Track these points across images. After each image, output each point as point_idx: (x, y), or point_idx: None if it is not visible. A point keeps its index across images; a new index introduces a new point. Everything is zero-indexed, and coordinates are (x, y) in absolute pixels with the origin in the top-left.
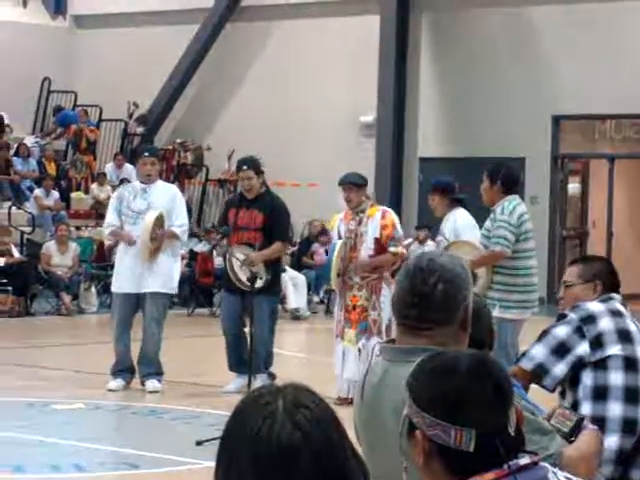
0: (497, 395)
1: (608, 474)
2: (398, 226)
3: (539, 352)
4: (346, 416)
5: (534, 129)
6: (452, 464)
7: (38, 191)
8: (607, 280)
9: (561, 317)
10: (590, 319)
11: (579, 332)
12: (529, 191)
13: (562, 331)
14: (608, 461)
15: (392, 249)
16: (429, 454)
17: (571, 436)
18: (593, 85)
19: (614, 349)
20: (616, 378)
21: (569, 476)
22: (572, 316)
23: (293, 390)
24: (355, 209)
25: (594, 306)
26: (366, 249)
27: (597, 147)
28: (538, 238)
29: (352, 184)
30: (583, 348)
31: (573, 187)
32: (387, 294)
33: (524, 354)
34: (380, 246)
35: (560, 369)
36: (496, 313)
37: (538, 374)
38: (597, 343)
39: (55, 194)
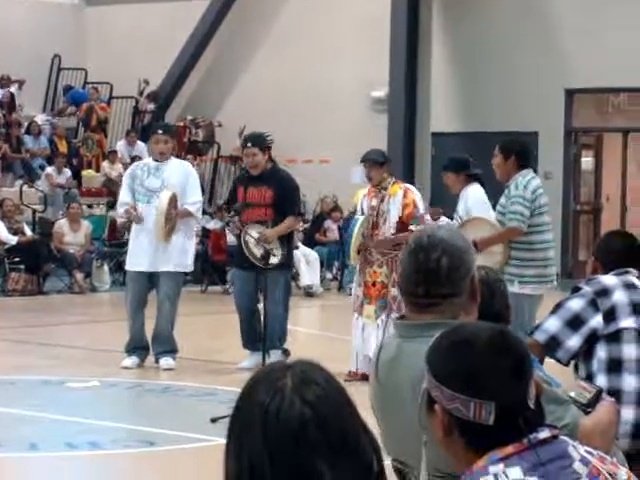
0: (517, 368)
1: (625, 447)
2: (420, 204)
3: (552, 325)
4: (360, 391)
5: (547, 103)
6: (472, 438)
7: (50, 169)
8: (607, 258)
9: (575, 290)
10: (604, 292)
11: (593, 305)
12: (542, 166)
13: (576, 304)
14: (625, 434)
15: (413, 227)
16: (448, 428)
17: (588, 407)
18: (606, 58)
19: (627, 322)
20: (630, 351)
21: (590, 449)
22: (586, 289)
23: (303, 366)
24: (377, 186)
25: (608, 279)
26: (388, 227)
27: (610, 121)
28: (551, 213)
29: (373, 161)
30: (597, 320)
31: (586, 161)
32: None
33: (538, 326)
34: (402, 224)
35: (574, 342)
36: (515, 289)
37: (551, 346)
38: (610, 316)
39: (67, 172)
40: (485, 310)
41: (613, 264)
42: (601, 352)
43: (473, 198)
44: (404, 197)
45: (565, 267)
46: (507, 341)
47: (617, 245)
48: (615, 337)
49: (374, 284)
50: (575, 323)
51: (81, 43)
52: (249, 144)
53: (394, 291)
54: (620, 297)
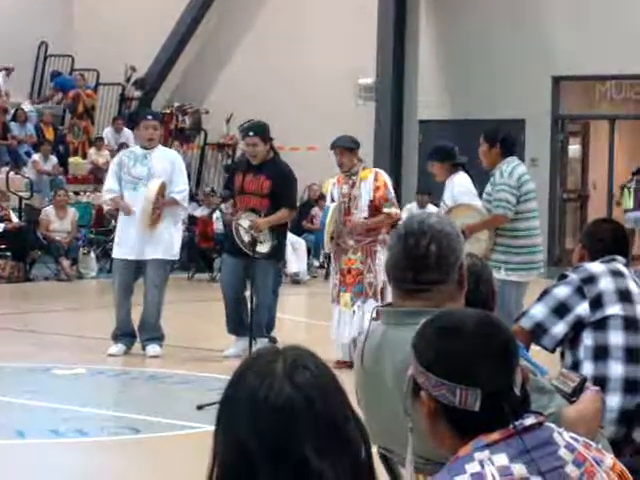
0: (502, 355)
1: (611, 434)
2: (390, 187)
3: (539, 311)
4: (346, 380)
5: (534, 90)
6: (458, 424)
7: (36, 156)
8: (594, 246)
9: (562, 277)
10: (590, 279)
11: (579, 292)
12: (529, 153)
13: (562, 291)
14: (611, 421)
15: (386, 210)
16: (434, 414)
17: (572, 396)
18: (593, 45)
19: (614, 309)
20: (616, 338)
21: (575, 436)
22: (573, 276)
23: (294, 352)
24: (347, 172)
25: (595, 267)
26: (360, 212)
27: (597, 108)
28: (538, 200)
29: (344, 148)
30: (583, 308)
31: (573, 149)
32: (382, 257)
33: (524, 313)
34: (374, 208)
35: (559, 329)
36: (501, 275)
37: (537, 333)
38: (597, 303)
39: (53, 159)
40: (471, 297)
41: (600, 251)
42: (587, 340)
43: (460, 186)
44: (375, 180)
45: (552, 255)
46: (493, 328)
47: (604, 233)
48: (601, 324)
49: (349, 271)
50: (561, 310)
51: (68, 30)
52: (251, 133)
53: (370, 277)
54: (607, 284)
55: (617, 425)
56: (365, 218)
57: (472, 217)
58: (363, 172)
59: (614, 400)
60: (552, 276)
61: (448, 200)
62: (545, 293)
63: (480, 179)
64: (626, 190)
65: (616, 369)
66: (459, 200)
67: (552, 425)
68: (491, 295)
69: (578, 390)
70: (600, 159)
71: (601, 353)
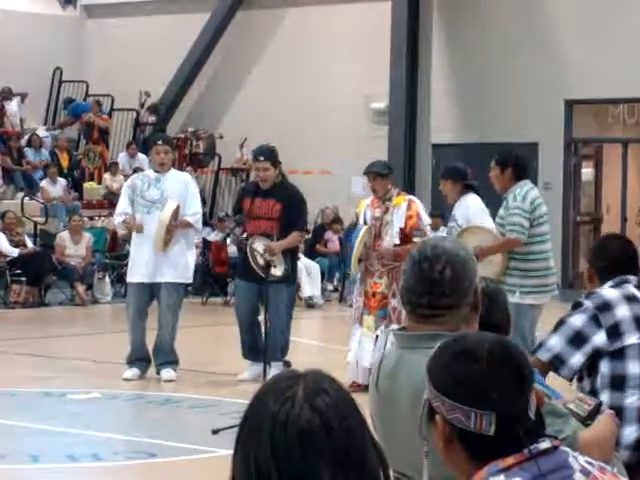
0: (517, 379)
1: (625, 459)
2: (423, 216)
3: (555, 343)
4: (362, 403)
5: (547, 114)
6: (472, 448)
7: (44, 182)
8: (602, 265)
9: (576, 305)
10: (605, 307)
11: (595, 321)
12: (542, 176)
13: (578, 320)
14: (626, 447)
15: (417, 239)
16: (449, 438)
17: (587, 420)
18: (606, 69)
19: (632, 338)
20: (634, 368)
21: (590, 460)
22: (587, 304)
23: (314, 376)
24: (382, 198)
25: (608, 293)
26: (390, 238)
27: (610, 131)
28: (551, 224)
29: (377, 173)
30: (600, 337)
31: (587, 172)
32: None
33: (541, 344)
34: (405, 236)
35: (577, 359)
36: (516, 299)
37: (555, 364)
38: (615, 332)
39: (62, 182)
40: (485, 321)
41: (608, 270)
42: (605, 368)
43: (473, 207)
44: (408, 209)
45: (566, 277)
46: (508, 351)
47: (612, 251)
48: (620, 354)
49: (374, 295)
50: (577, 340)
51: (82, 55)
52: (261, 158)
53: (394, 302)
54: (623, 312)
55: (632, 450)
56: (395, 245)
57: (484, 240)
58: (397, 198)
59: (630, 429)
60: (566, 299)
61: (461, 220)
62: (561, 323)
63: (492, 202)
64: None
65: (632, 399)
66: (472, 221)
67: (567, 449)
68: (505, 319)
69: (593, 414)
70: (613, 182)
71: (618, 382)
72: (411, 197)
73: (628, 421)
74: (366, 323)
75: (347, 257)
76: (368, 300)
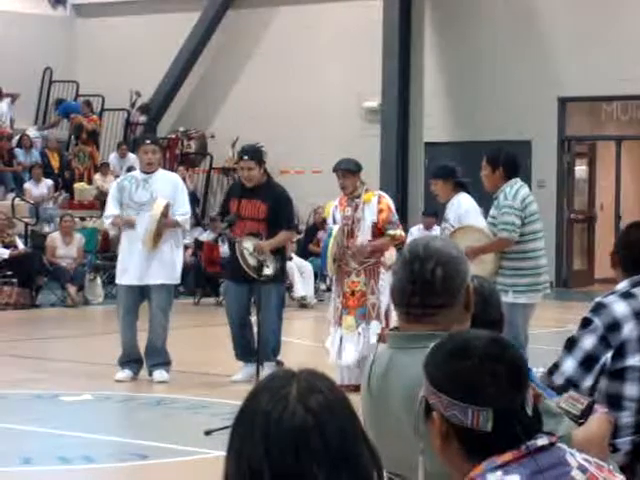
0: (513, 375)
1: (619, 462)
2: (394, 210)
3: (569, 367)
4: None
5: (540, 112)
6: (470, 445)
7: (27, 183)
8: (626, 253)
9: (585, 323)
10: (614, 326)
11: (604, 342)
12: (536, 175)
13: (588, 342)
14: (621, 452)
15: (390, 232)
16: (446, 435)
17: (581, 419)
18: (599, 66)
19: (633, 360)
20: (632, 390)
21: (587, 457)
22: (596, 323)
23: (308, 375)
24: (350, 195)
25: (619, 308)
26: (363, 235)
27: (604, 129)
28: (545, 222)
29: (346, 170)
30: (606, 357)
31: (580, 170)
32: (385, 278)
33: (556, 365)
34: (378, 231)
35: (589, 382)
36: (509, 299)
37: (567, 389)
38: (618, 352)
39: (47, 182)
40: (479, 320)
41: (630, 261)
42: (603, 385)
43: (465, 206)
44: (378, 203)
45: (559, 276)
46: (503, 348)
47: (636, 239)
48: (619, 374)
49: (353, 293)
50: (588, 363)
51: (72, 56)
52: (245, 157)
53: (373, 299)
54: (630, 332)
55: (625, 455)
56: (369, 241)
57: (477, 239)
58: (366, 195)
59: (624, 443)
60: (559, 297)
61: (453, 220)
62: (572, 344)
63: (484, 201)
64: None
65: (627, 419)
66: (464, 220)
67: (564, 446)
68: (499, 318)
69: (586, 412)
70: (607, 180)
71: (614, 401)
72: (380, 192)
73: (622, 437)
74: (345, 323)
75: (321, 259)
76: (347, 300)
